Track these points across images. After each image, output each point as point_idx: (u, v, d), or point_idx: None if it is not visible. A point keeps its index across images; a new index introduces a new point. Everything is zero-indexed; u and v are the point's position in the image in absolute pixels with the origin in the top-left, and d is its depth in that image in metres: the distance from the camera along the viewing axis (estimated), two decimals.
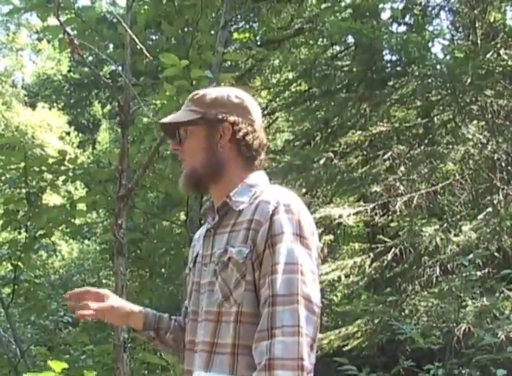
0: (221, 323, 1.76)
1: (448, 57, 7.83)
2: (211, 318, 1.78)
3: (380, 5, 8.81)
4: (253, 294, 1.73)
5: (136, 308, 2.04)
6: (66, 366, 2.92)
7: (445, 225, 7.22)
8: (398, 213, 7.56)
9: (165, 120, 1.97)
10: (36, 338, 8.18)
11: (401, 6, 8.64)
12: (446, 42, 8.85)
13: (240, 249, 1.75)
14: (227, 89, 1.97)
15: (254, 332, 1.68)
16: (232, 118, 1.88)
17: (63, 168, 5.49)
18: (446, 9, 8.77)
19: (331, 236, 8.76)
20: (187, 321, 1.94)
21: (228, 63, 8.46)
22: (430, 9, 8.83)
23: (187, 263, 2.06)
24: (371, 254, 7.81)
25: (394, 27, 8.80)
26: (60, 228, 6.08)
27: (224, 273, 1.77)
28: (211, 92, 1.94)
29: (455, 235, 6.99)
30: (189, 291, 1.96)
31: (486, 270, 6.76)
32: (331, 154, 8.13)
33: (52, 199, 10.32)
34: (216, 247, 1.84)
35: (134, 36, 4.40)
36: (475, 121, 7.98)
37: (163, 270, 8.07)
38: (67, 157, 5.48)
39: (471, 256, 5.93)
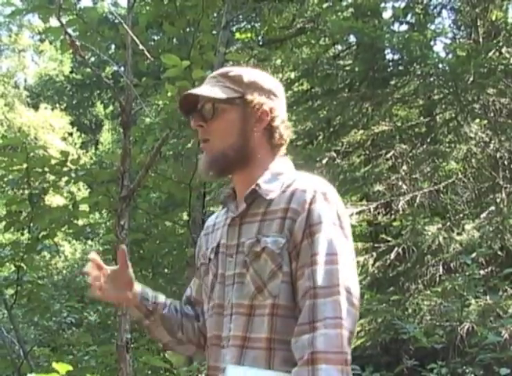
0: (254, 316, 1.67)
1: (450, 56, 7.82)
2: (243, 311, 1.69)
3: (382, 4, 8.81)
4: (289, 286, 1.65)
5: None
6: (70, 368, 2.90)
7: (448, 224, 7.22)
8: (401, 212, 7.55)
9: (198, 91, 1.81)
10: (39, 339, 8.18)
11: (402, 5, 8.62)
12: (448, 41, 8.86)
13: (276, 239, 1.66)
14: (261, 73, 1.86)
15: (290, 325, 1.61)
16: (271, 104, 1.79)
17: (65, 168, 5.48)
18: (448, 7, 8.77)
19: None
20: (209, 315, 1.82)
21: (230, 63, 8.45)
22: (431, 7, 8.82)
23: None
24: (374, 254, 7.80)
25: (395, 26, 8.79)
26: (63, 229, 6.08)
27: (256, 264, 1.68)
28: (248, 73, 1.82)
29: (458, 234, 6.99)
30: (210, 284, 1.83)
31: (489, 269, 6.77)
32: (333, 154, 8.13)
33: (54, 200, 10.35)
34: (244, 236, 1.74)
35: (135, 37, 4.40)
36: (477, 120, 7.98)
37: (166, 270, 8.08)
38: (70, 158, 5.48)
39: (474, 255, 5.94)
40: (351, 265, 1.65)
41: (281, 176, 1.78)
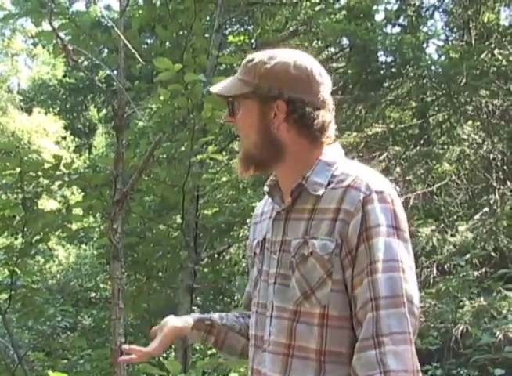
0: (299, 323, 1.55)
1: (442, 58, 7.84)
2: (286, 316, 1.58)
3: (374, 7, 8.81)
4: (342, 295, 1.53)
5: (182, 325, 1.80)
6: None
7: (442, 225, 7.23)
8: None
9: (214, 90, 1.69)
10: (34, 344, 8.15)
11: (395, 7, 8.65)
12: (441, 43, 8.86)
13: (325, 243, 1.53)
14: (286, 56, 1.65)
15: (343, 336, 1.52)
16: (286, 96, 1.60)
17: (58, 172, 5.47)
18: (440, 9, 8.78)
19: None
20: (252, 312, 1.72)
21: (223, 66, 8.46)
22: (424, 9, 8.84)
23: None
24: None
25: (388, 29, 8.80)
26: (57, 233, 6.07)
27: (303, 268, 1.56)
28: (269, 60, 1.63)
29: (451, 235, 6.99)
30: (254, 279, 1.74)
31: (483, 270, 6.77)
32: None
33: (48, 204, 10.32)
34: (290, 234, 1.61)
35: (127, 41, 4.40)
36: (470, 121, 7.99)
37: (160, 274, 8.06)
38: (63, 162, 5.48)
39: (468, 256, 5.95)
40: (411, 272, 1.52)
41: (332, 167, 1.62)
